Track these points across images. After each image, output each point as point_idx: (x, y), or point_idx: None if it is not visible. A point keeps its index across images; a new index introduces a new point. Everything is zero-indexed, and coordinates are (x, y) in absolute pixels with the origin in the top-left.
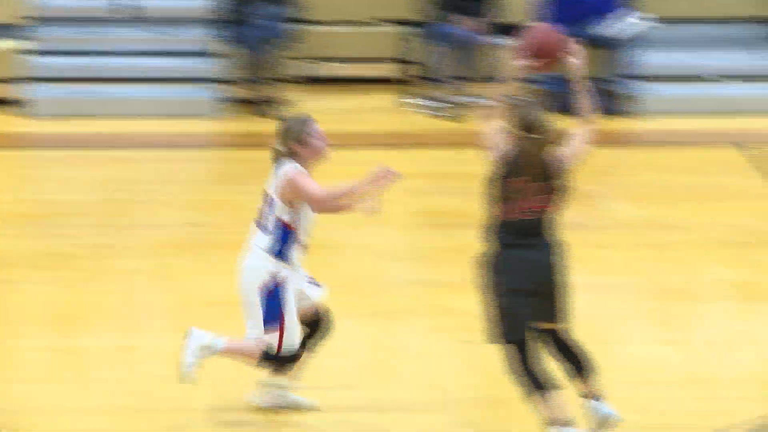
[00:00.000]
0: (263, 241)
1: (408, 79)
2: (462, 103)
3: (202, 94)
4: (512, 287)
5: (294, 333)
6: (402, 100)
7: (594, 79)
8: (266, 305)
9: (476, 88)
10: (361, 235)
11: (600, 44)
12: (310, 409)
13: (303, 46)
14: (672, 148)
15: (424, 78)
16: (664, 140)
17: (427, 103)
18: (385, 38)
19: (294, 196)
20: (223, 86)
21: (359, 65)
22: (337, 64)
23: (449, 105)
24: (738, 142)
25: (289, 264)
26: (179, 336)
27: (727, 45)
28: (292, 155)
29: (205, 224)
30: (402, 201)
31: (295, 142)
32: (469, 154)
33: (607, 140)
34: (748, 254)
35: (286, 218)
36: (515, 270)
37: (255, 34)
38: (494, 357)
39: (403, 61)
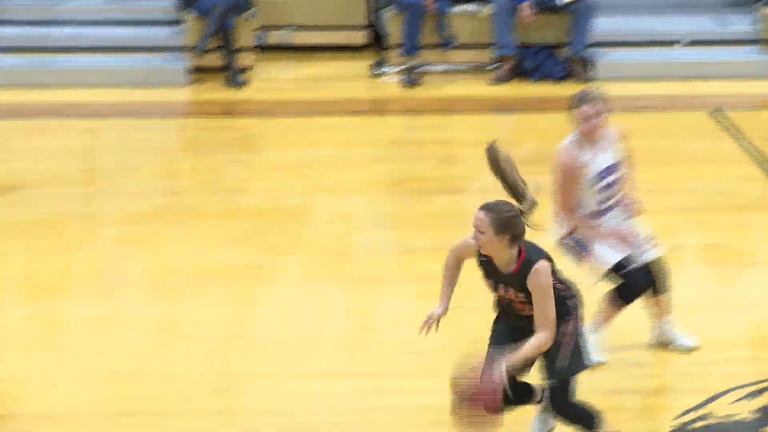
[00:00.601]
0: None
1: (374, 46)
2: (425, 71)
3: (168, 62)
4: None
5: (605, 253)
6: (369, 67)
7: (555, 46)
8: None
9: (437, 55)
10: (334, 202)
11: (559, 10)
12: (688, 349)
13: (270, 13)
14: (639, 114)
15: (389, 46)
16: (630, 106)
17: (393, 69)
18: (352, 6)
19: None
20: (189, 55)
21: (326, 33)
22: (304, 32)
23: (414, 72)
24: (708, 106)
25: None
26: (162, 304)
27: (691, 10)
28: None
29: (178, 192)
30: (371, 168)
31: (572, 118)
32: (433, 120)
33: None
34: (717, 218)
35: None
36: None
37: (219, 2)
38: (476, 321)
39: (370, 29)
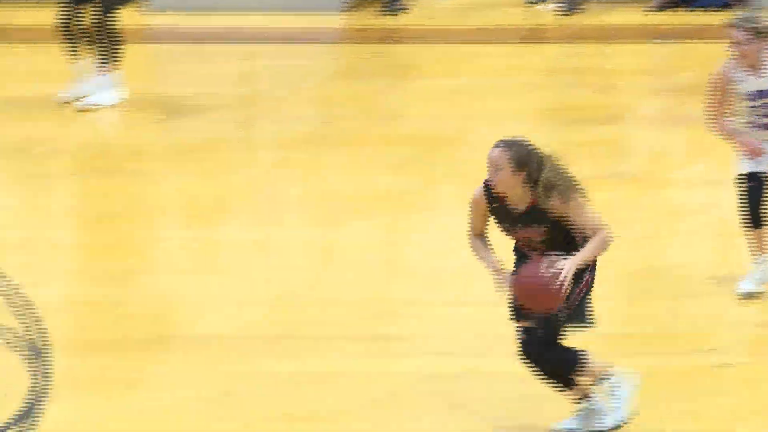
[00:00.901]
0: None
1: None
2: None
3: None
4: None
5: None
6: None
7: None
8: None
9: None
10: (489, 130)
11: None
12: None
13: None
14: None
15: None
16: None
17: None
18: None
19: None
20: None
21: None
22: None
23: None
24: None
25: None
26: (319, 229)
27: None
28: None
29: (335, 118)
30: (527, 97)
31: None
32: (590, 48)
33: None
34: None
35: None
36: None
37: None
38: (627, 255)
39: None
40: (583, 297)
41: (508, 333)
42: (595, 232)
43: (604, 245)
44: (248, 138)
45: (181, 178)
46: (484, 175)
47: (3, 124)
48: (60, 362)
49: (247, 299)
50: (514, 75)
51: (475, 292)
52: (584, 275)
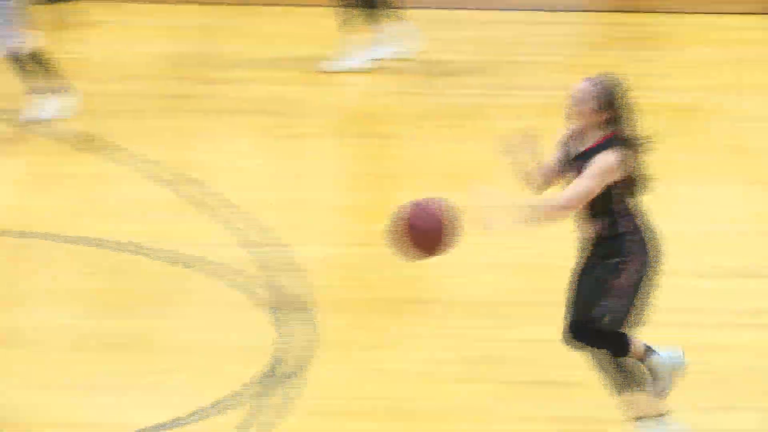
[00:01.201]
0: None
1: None
2: None
3: None
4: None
5: None
6: None
7: None
8: None
9: None
10: (730, 102)
11: None
12: None
13: None
14: None
15: None
16: None
17: None
18: None
19: None
20: None
21: None
22: None
23: None
24: None
25: None
26: None
27: None
28: None
29: None
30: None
31: None
32: None
33: None
34: None
35: None
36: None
37: None
38: None
39: None
40: (623, 303)
41: (760, 306)
42: (559, 194)
43: (536, 210)
44: (493, 105)
45: (432, 142)
46: (723, 146)
47: (259, 85)
48: (316, 322)
49: (502, 265)
50: (757, 47)
51: (719, 261)
52: (617, 279)
